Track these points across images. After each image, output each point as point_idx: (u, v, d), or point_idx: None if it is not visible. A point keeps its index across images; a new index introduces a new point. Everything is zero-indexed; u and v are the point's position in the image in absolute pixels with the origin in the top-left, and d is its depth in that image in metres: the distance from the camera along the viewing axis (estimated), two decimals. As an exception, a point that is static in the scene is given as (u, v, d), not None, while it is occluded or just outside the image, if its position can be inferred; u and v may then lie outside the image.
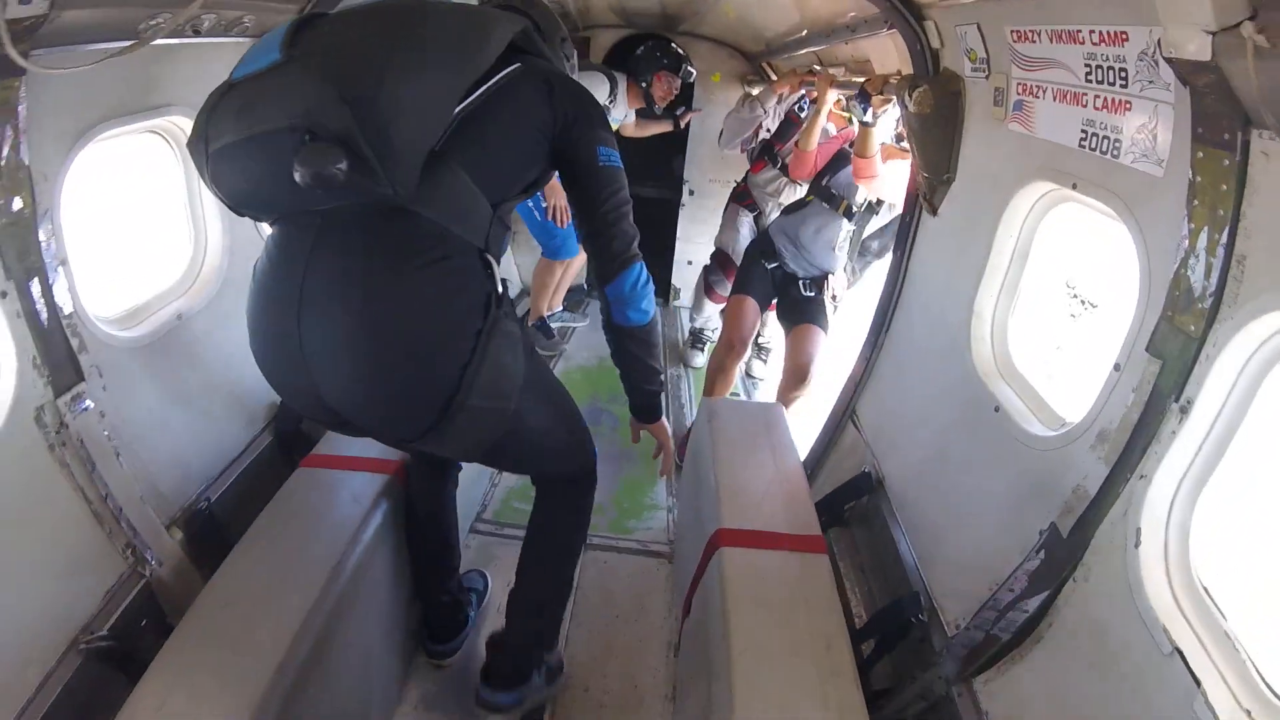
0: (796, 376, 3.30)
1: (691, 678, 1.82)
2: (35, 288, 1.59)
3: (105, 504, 1.74)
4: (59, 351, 1.66)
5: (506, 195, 1.57)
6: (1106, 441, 1.41)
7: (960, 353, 2.04)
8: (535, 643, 2.00)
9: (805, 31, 3.52)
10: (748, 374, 4.65)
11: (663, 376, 1.90)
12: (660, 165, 5.45)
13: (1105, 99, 1.50)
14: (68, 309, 1.69)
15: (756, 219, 4.36)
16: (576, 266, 4.62)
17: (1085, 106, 1.57)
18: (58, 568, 1.65)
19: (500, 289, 1.52)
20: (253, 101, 1.31)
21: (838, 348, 3.46)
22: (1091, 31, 1.47)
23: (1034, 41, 1.71)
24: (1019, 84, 1.83)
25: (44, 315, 1.61)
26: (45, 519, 1.63)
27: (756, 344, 4.54)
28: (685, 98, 4.89)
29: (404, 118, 1.27)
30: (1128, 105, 1.43)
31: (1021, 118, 1.84)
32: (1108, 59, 1.45)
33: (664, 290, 5.62)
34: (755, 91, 4.51)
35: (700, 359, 4.71)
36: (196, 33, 1.92)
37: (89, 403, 1.71)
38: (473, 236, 1.48)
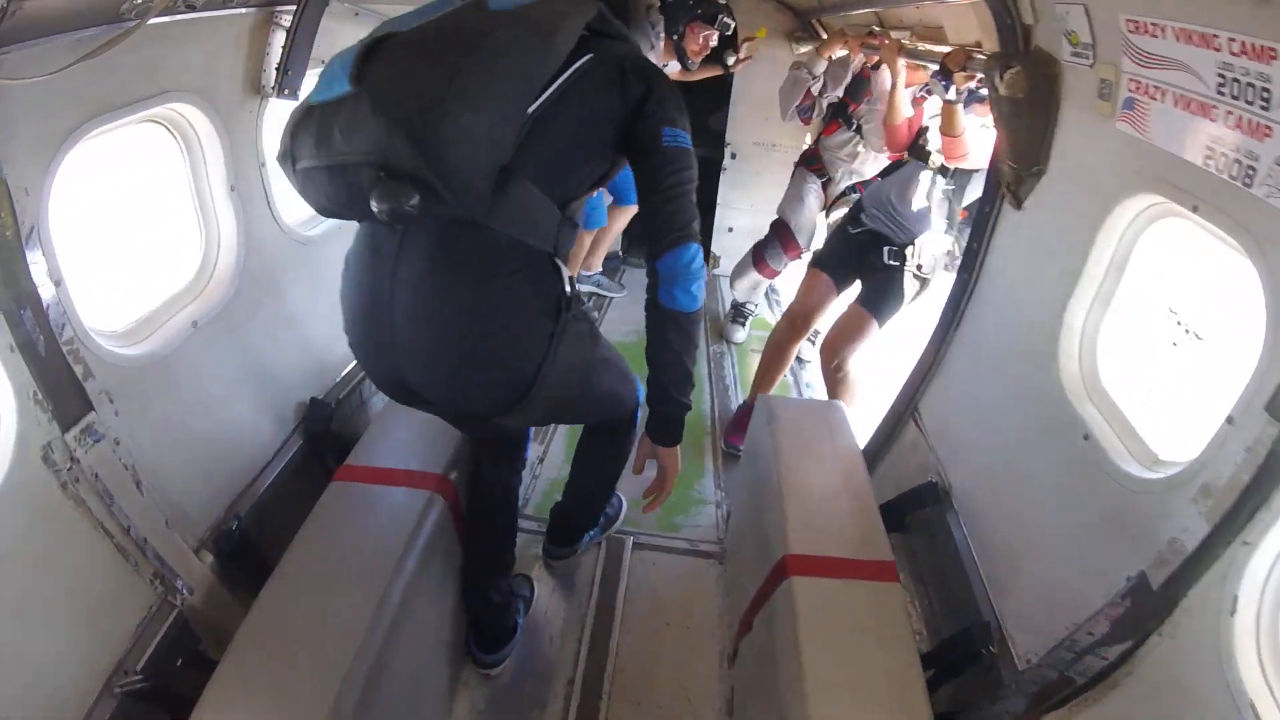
0: (826, 358, 3.25)
1: (755, 705, 1.88)
2: (28, 316, 1.51)
3: (128, 536, 1.72)
4: (62, 382, 1.60)
5: (576, 194, 1.70)
6: (1211, 497, 1.38)
7: (1045, 366, 1.98)
8: (587, 520, 2.57)
9: None
10: (796, 356, 4.56)
11: (692, 394, 1.86)
12: (697, 120, 5.26)
13: (1240, 118, 1.40)
14: (67, 334, 1.62)
15: (825, 185, 4.20)
16: (612, 234, 4.61)
17: (1214, 121, 1.47)
18: (83, 609, 1.64)
19: (569, 289, 1.69)
20: (329, 130, 1.45)
21: (902, 330, 3.34)
22: (1231, 40, 1.35)
23: (1155, 36, 1.59)
24: (1131, 80, 1.71)
25: (41, 345, 1.54)
26: (65, 561, 1.61)
27: None
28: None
29: (470, 150, 1.39)
30: (1267, 131, 1.33)
31: (1133, 118, 1.73)
32: (1247, 74, 1.35)
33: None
34: (802, 50, 4.29)
35: (741, 334, 4.66)
36: (191, 7, 1.82)
37: (100, 433, 1.66)
38: (542, 244, 1.63)
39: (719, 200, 5.43)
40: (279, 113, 2.42)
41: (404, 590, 1.75)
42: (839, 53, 3.91)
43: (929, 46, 2.97)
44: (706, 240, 5.52)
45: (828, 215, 4.26)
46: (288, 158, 1.54)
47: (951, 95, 2.58)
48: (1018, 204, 2.17)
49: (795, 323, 3.46)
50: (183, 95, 1.99)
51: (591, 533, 2.65)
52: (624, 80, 1.63)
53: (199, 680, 1.53)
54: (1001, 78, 1.99)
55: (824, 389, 3.35)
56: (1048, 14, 1.92)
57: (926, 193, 3.10)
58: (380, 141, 1.38)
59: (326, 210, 1.57)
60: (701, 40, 4.02)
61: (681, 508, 3.00)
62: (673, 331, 1.73)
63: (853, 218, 3.39)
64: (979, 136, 2.77)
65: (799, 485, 2.07)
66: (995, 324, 2.34)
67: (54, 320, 1.58)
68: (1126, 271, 1.89)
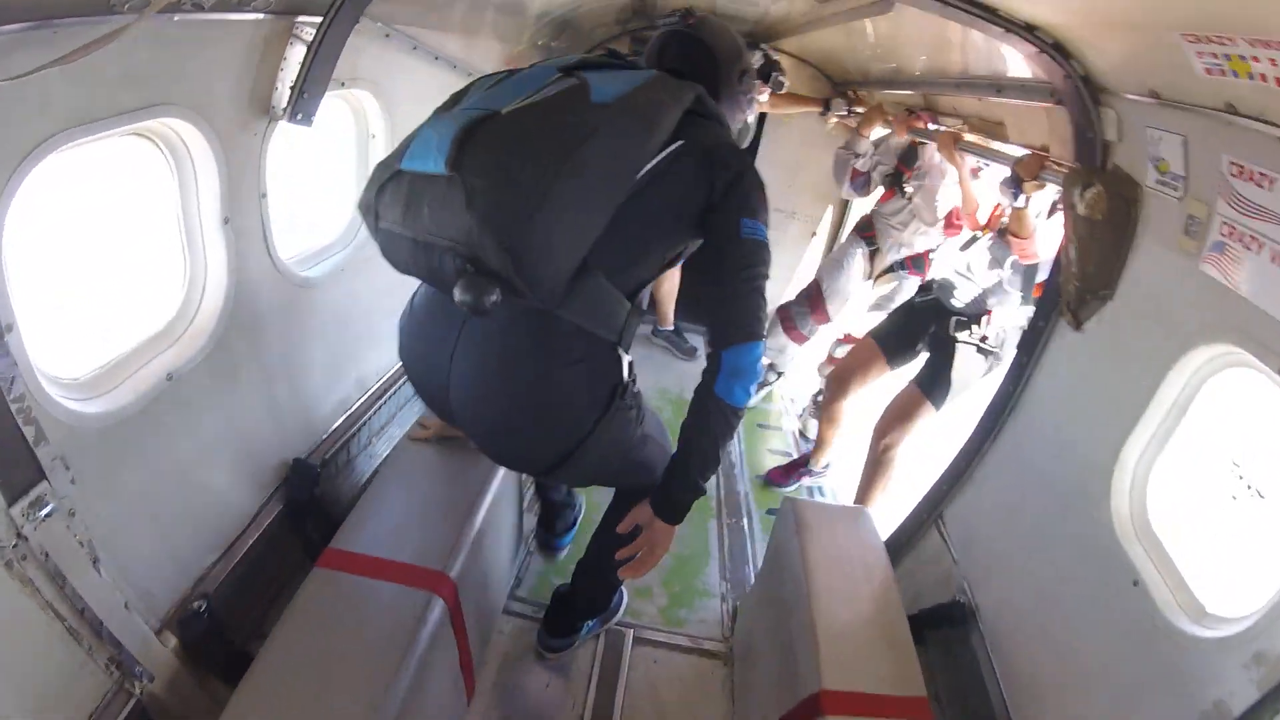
0: (874, 438, 3.22)
1: None
2: None
3: (82, 618, 1.58)
4: (9, 448, 1.45)
5: (647, 280, 1.80)
6: (1263, 665, 1.39)
7: (1094, 501, 1.96)
8: (591, 607, 2.54)
9: (920, 71, 3.31)
10: (802, 434, 4.52)
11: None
12: None
13: (1350, 294, 1.40)
14: (18, 389, 1.45)
15: (872, 255, 4.21)
16: (670, 289, 4.70)
17: (1318, 290, 1.47)
18: (28, 698, 1.51)
19: (626, 376, 1.79)
20: (419, 204, 1.54)
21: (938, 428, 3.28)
22: (1353, 211, 1.36)
23: (1261, 186, 1.58)
24: (1225, 224, 1.71)
25: None
26: (8, 645, 1.48)
27: (816, 400, 4.40)
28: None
29: (559, 257, 1.48)
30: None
31: (1221, 262, 1.73)
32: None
33: None
34: (831, 120, 4.40)
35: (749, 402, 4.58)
36: (199, 7, 1.66)
37: (51, 505, 1.52)
38: (608, 334, 1.71)
39: None
40: (288, 137, 2.27)
41: (398, 710, 1.61)
42: (880, 131, 3.93)
43: (992, 145, 2.96)
44: None
45: (873, 286, 4.27)
46: (371, 212, 1.65)
47: (1020, 203, 2.57)
48: (1076, 324, 2.16)
49: (832, 385, 3.53)
50: (177, 109, 1.79)
51: (592, 623, 2.56)
52: (710, 170, 1.68)
53: None
54: (1082, 195, 1.99)
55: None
56: (1135, 135, 1.91)
57: (995, 255, 3.06)
58: (471, 236, 1.47)
59: (405, 272, 1.68)
60: None
61: (685, 600, 2.91)
62: (718, 422, 1.75)
63: (923, 289, 3.41)
64: (1048, 232, 2.75)
65: (830, 608, 2.01)
66: (1038, 445, 2.32)
67: (2, 374, 1.42)
68: (1188, 414, 1.89)
